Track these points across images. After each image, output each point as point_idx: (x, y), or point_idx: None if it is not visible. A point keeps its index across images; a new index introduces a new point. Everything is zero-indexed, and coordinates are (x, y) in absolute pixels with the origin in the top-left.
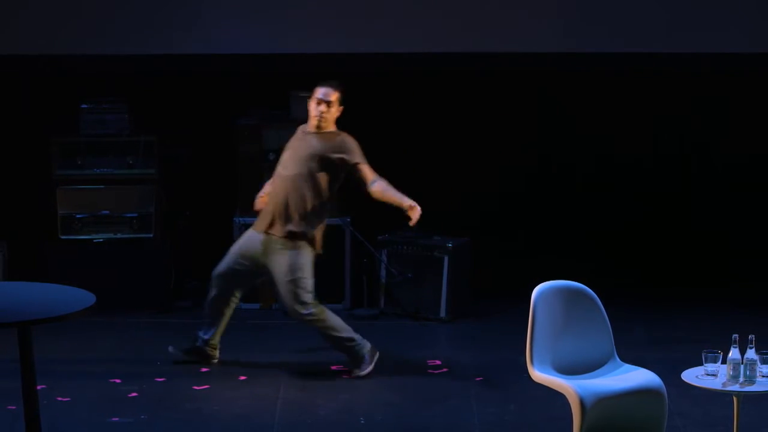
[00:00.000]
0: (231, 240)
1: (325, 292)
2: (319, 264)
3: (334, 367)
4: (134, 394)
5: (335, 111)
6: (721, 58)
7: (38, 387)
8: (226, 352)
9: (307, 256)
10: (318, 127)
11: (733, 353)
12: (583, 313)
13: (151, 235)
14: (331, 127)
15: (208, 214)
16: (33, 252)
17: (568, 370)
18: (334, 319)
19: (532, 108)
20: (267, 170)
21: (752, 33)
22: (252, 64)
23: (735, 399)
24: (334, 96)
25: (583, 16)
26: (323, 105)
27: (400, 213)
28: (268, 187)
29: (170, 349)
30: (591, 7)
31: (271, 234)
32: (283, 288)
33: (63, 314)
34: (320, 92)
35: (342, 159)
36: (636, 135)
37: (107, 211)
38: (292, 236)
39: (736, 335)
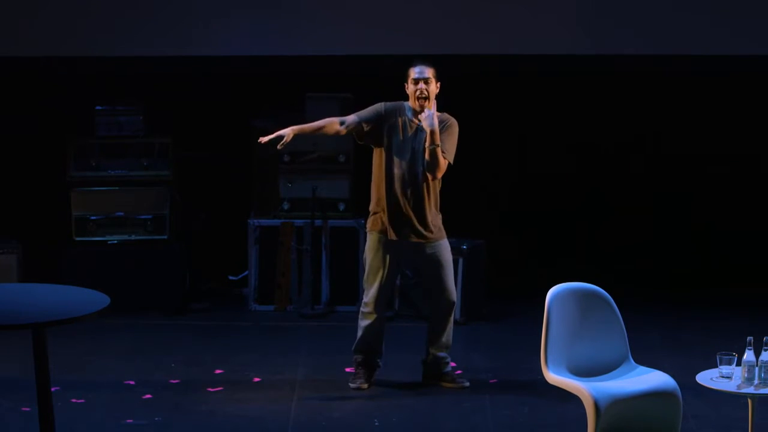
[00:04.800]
0: (245, 242)
1: (339, 294)
2: (333, 266)
3: (348, 369)
4: (148, 396)
5: (434, 87)
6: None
7: (52, 389)
8: (240, 354)
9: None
10: (422, 107)
11: (748, 355)
12: (598, 314)
13: (166, 237)
14: (433, 105)
15: (223, 216)
16: (47, 253)
17: (583, 372)
18: None
19: (550, 110)
20: (282, 172)
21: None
22: (268, 66)
23: (750, 401)
24: (430, 72)
25: (601, 17)
26: (421, 83)
27: None
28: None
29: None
30: (606, 9)
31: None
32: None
33: (77, 316)
34: (415, 71)
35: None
36: (646, 137)
37: (122, 213)
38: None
39: (751, 337)
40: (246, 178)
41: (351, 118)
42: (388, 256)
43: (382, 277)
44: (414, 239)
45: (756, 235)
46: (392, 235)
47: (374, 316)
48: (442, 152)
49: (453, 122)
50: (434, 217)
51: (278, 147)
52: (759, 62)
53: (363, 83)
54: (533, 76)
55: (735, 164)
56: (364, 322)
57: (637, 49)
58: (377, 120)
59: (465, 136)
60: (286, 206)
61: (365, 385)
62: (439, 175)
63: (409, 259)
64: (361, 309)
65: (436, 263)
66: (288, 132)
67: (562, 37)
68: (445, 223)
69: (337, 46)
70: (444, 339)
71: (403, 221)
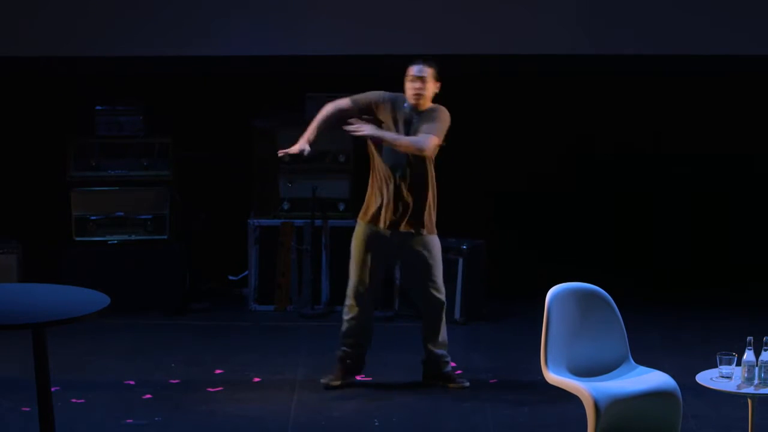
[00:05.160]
0: (245, 242)
1: (339, 294)
2: (333, 266)
3: None
4: (148, 396)
5: (432, 87)
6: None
7: (52, 389)
8: (240, 354)
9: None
10: (417, 105)
11: (748, 355)
12: (598, 314)
13: (166, 237)
14: (428, 104)
15: (223, 216)
16: (47, 254)
17: (583, 372)
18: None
19: (550, 110)
20: (282, 172)
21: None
22: (268, 66)
23: (750, 401)
24: (429, 71)
25: (601, 17)
26: (418, 81)
27: None
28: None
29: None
30: (606, 9)
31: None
32: (438, 276)
33: (77, 316)
34: (414, 69)
35: None
36: (645, 137)
37: (122, 213)
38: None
39: (751, 337)
40: (246, 178)
41: (343, 102)
42: (374, 247)
43: (365, 268)
44: (404, 229)
45: (756, 234)
46: (383, 224)
47: (356, 309)
48: (427, 133)
49: (441, 108)
50: (429, 210)
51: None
52: (759, 62)
53: (363, 83)
54: (533, 76)
55: (735, 164)
56: (347, 316)
57: (637, 50)
58: (370, 104)
59: (465, 136)
60: (286, 206)
61: (336, 383)
62: (426, 151)
63: (397, 253)
64: (345, 302)
65: (425, 260)
66: (304, 147)
67: (562, 37)
68: (446, 223)
69: (337, 46)
70: (440, 338)
71: (397, 211)
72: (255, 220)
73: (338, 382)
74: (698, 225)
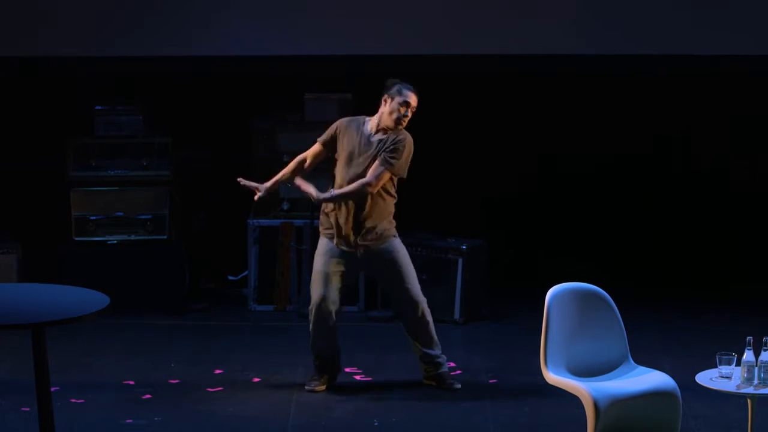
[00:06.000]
0: (245, 242)
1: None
2: None
3: (347, 369)
4: (148, 396)
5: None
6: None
7: (52, 388)
8: (240, 354)
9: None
10: (394, 129)
11: (747, 355)
12: (598, 315)
13: (165, 237)
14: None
15: (222, 216)
16: (47, 253)
17: (582, 372)
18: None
19: (548, 110)
20: None
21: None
22: (267, 66)
23: (749, 401)
24: (415, 100)
25: (602, 18)
26: (409, 110)
27: (414, 215)
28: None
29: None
30: (601, 8)
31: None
32: (407, 278)
33: (77, 316)
34: (408, 94)
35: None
36: (645, 137)
37: (121, 213)
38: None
39: (750, 337)
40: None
41: (314, 147)
42: (334, 261)
43: (326, 283)
44: (352, 246)
45: (756, 235)
46: (337, 241)
47: (319, 320)
48: (382, 165)
49: (407, 139)
50: (377, 224)
51: (255, 199)
52: (760, 62)
53: (363, 83)
54: (533, 76)
55: (734, 165)
56: (310, 326)
57: (636, 50)
58: (334, 136)
59: (465, 136)
60: (285, 206)
61: (321, 387)
62: (372, 190)
63: (360, 265)
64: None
65: (386, 267)
66: (266, 186)
67: (562, 37)
68: (446, 223)
69: (337, 46)
70: (427, 338)
71: (341, 228)
72: (255, 220)
73: (323, 387)
74: (698, 225)
